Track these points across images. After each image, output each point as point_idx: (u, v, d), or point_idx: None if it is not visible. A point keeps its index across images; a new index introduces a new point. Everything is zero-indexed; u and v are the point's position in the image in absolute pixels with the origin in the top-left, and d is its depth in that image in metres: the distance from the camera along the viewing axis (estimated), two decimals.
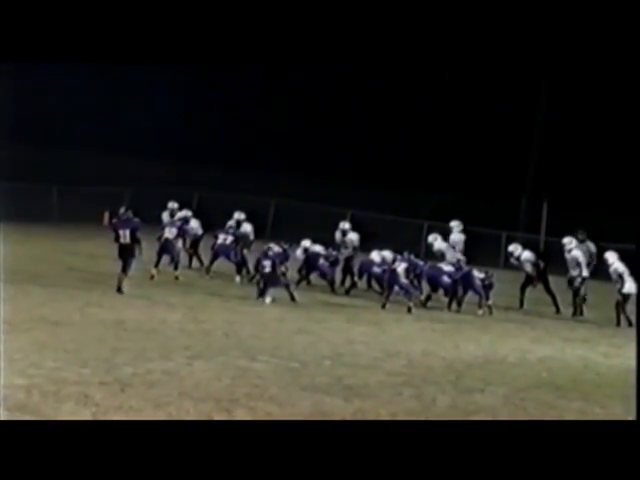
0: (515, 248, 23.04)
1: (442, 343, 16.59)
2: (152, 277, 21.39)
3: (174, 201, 24.90)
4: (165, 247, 22.27)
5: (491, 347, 16.66)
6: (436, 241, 23.52)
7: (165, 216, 24.45)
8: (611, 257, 21.53)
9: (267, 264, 20.02)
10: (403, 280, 20.50)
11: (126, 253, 19.26)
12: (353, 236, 23.80)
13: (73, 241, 29.13)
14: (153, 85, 45.99)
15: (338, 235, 23.95)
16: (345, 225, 24.30)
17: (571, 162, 47.26)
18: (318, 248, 22.69)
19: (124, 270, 19.16)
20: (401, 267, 20.72)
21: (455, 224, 24.18)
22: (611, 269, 21.30)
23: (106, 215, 35.17)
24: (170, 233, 22.62)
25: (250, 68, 46.02)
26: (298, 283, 21.88)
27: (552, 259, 23.68)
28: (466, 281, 21.18)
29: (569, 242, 22.34)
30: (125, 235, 19.39)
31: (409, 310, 19.88)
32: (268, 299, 19.54)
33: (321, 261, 22.40)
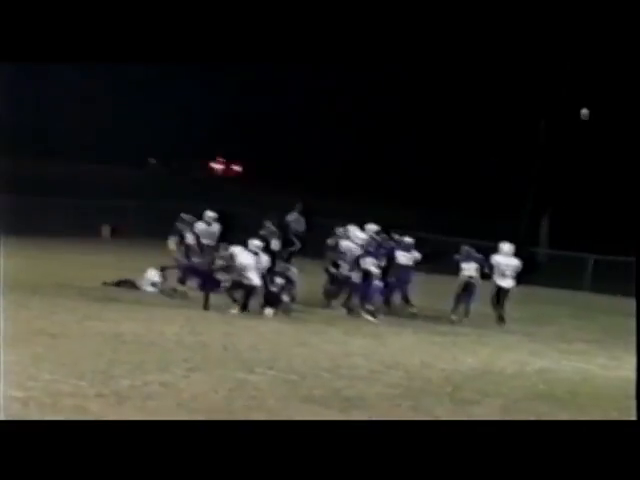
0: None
1: (440, 355, 16.60)
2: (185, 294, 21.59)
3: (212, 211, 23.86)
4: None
5: (489, 359, 16.67)
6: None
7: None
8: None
9: (278, 284, 19.96)
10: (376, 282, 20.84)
11: None
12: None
13: (72, 253, 29.10)
14: (163, 94, 46.28)
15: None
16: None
17: (573, 178, 47.43)
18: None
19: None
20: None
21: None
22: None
23: (105, 229, 35.24)
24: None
25: (282, 84, 46.46)
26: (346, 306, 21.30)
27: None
28: None
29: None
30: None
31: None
32: (269, 311, 19.52)
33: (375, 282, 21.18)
